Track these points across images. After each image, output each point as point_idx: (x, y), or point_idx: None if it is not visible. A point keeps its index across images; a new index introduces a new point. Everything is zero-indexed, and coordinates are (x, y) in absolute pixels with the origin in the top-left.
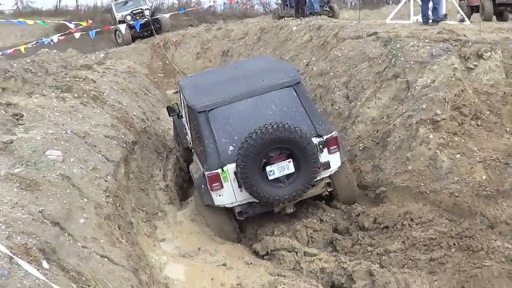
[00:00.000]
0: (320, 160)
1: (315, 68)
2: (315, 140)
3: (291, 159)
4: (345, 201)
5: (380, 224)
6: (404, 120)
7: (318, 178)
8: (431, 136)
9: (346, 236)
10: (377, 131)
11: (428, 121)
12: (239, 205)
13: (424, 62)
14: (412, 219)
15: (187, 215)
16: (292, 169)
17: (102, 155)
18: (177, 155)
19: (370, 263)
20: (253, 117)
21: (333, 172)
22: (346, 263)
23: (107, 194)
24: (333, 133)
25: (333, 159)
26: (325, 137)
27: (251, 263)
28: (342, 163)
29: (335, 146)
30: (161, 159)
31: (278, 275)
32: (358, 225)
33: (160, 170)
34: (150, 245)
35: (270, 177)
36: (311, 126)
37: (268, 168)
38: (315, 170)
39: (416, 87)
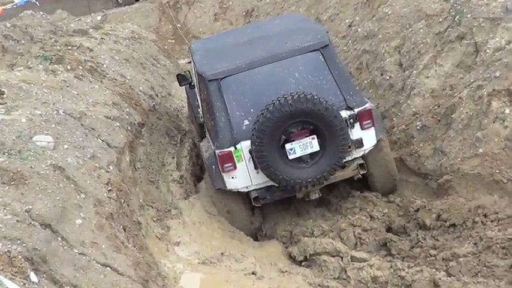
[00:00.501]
0: (351, 137)
1: (359, 30)
2: (344, 113)
3: (315, 136)
4: (382, 188)
5: (445, 222)
6: (472, 92)
7: (349, 158)
8: (507, 111)
9: (402, 236)
10: (438, 106)
11: (504, 92)
12: (255, 189)
13: (496, 19)
14: (485, 215)
15: (202, 210)
16: (316, 147)
17: (103, 140)
18: (193, 139)
19: (434, 270)
20: (273, 87)
21: (366, 151)
22: (403, 270)
23: (109, 188)
24: (367, 105)
25: (367, 136)
26: (356, 110)
27: (286, 271)
28: (377, 141)
29: (369, 121)
30: (174, 144)
31: (320, 285)
32: (418, 223)
33: (173, 158)
34: (162, 250)
35: (291, 157)
36: (340, 96)
37: (288, 146)
38: (344, 148)
39: (487, 51)
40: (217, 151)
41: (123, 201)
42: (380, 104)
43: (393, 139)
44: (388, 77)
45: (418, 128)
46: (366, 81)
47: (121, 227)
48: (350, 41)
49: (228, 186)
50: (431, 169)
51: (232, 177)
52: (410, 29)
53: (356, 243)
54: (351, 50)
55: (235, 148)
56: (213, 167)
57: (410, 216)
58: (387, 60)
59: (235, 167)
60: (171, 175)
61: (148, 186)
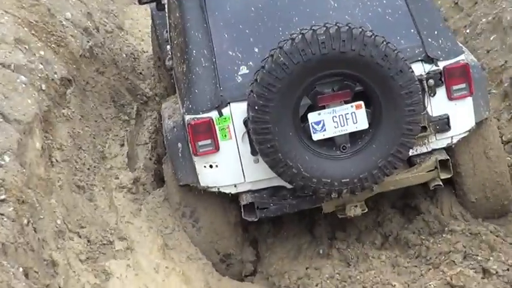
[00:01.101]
0: (428, 111)
1: None
2: (420, 67)
3: (361, 103)
4: (479, 207)
5: None
6: None
7: (422, 149)
8: None
9: None
10: None
11: None
12: (250, 191)
13: None
14: None
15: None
16: (363, 123)
17: None
18: (159, 112)
19: None
20: (296, 12)
21: (454, 140)
22: None
23: (2, 197)
24: (461, 57)
25: (458, 112)
26: (442, 64)
27: None
28: (477, 123)
29: (463, 84)
30: (126, 121)
31: None
32: None
33: (122, 145)
34: None
35: (316, 136)
36: (416, 38)
37: (312, 117)
38: (413, 129)
39: None
40: (187, 117)
41: (26, 222)
42: (508, 63)
43: None
44: None
45: None
46: (483, 20)
47: (20, 269)
48: None
49: (203, 181)
50: None
51: (211, 166)
52: None
53: None
54: None
55: (220, 114)
56: (179, 145)
57: None
58: None
59: (217, 148)
60: (118, 177)
61: (75, 197)
